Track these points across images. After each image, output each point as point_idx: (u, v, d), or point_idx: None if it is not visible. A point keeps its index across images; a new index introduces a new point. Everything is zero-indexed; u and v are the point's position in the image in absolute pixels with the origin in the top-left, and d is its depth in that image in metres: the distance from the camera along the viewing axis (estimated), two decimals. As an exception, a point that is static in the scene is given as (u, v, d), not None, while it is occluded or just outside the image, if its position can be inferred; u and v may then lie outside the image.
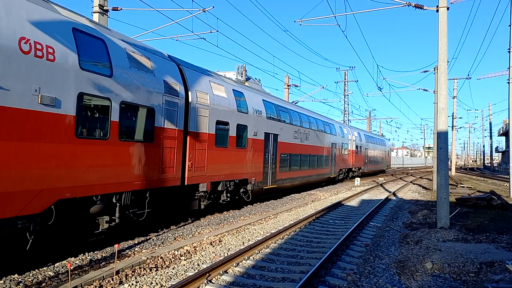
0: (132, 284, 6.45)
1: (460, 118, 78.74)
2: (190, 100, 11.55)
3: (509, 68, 20.98)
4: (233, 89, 14.59)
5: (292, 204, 17.11)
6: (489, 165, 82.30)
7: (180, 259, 8.03)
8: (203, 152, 12.19)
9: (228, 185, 14.04)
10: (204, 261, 7.96)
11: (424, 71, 28.30)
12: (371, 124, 72.28)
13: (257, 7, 21.75)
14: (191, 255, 8.37)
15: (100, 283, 6.42)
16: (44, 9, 7.20)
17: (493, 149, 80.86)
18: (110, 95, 8.37)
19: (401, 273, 7.32)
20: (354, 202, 18.58)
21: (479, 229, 11.11)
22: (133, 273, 6.96)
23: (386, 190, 25.64)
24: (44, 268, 7.15)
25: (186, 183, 11.35)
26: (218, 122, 12.99)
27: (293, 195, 20.85)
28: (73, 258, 7.86)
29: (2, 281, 6.40)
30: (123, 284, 6.47)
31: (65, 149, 7.25)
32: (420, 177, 42.58)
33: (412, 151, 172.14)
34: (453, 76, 47.88)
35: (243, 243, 9.61)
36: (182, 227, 11.40)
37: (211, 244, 9.27)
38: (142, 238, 9.84)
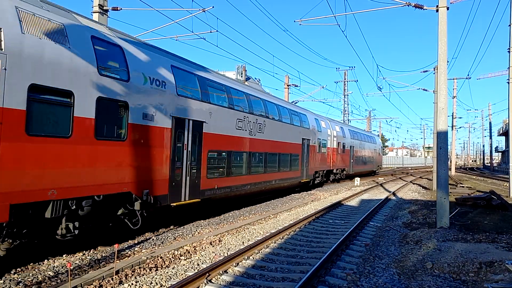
0: (132, 284, 6.45)
1: (460, 118, 78.78)
2: None
3: (509, 68, 20.97)
4: (92, 36, 8.52)
5: (292, 204, 17.11)
6: (489, 165, 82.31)
7: (180, 259, 8.03)
8: None
9: (75, 206, 7.85)
10: (204, 261, 7.97)
11: (424, 71, 28.31)
12: (371, 124, 72.34)
13: (257, 7, 21.75)
14: (191, 255, 8.37)
15: (100, 283, 6.42)
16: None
17: (493, 149, 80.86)
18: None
19: (401, 273, 7.33)
20: (354, 202, 18.58)
21: (479, 229, 11.11)
22: (133, 273, 6.96)
23: (386, 190, 25.65)
24: (44, 268, 7.16)
25: None
26: (38, 89, 7.08)
27: (293, 195, 20.86)
28: (73, 258, 7.86)
29: (2, 281, 6.40)
30: (123, 284, 6.47)
31: None
32: (420, 177, 42.58)
33: (412, 151, 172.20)
34: (453, 76, 47.93)
35: (243, 243, 9.61)
36: (182, 227, 11.40)
37: (211, 244, 9.27)
38: (142, 238, 9.84)
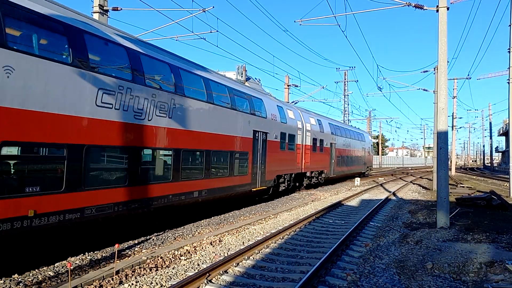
0: (132, 284, 6.46)
1: (460, 118, 78.80)
2: None
3: (509, 68, 20.97)
4: None
5: (292, 204, 17.11)
6: (489, 165, 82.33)
7: (180, 259, 8.03)
8: None
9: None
10: (204, 261, 7.97)
11: (424, 71, 28.31)
12: (371, 124, 72.37)
13: (257, 7, 21.78)
14: (191, 255, 8.37)
15: (100, 283, 6.43)
16: None
17: (493, 149, 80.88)
18: None
19: (401, 273, 7.32)
20: (354, 202, 18.58)
21: (479, 229, 11.10)
22: (133, 273, 6.96)
23: (386, 190, 25.64)
24: (44, 268, 7.16)
25: None
26: None
27: (293, 195, 20.85)
28: (73, 258, 7.86)
29: (2, 281, 6.40)
30: (123, 284, 6.47)
31: None
32: (420, 177, 42.57)
33: (412, 151, 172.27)
34: (453, 76, 47.92)
35: (243, 243, 9.61)
36: (182, 227, 11.40)
37: (211, 244, 9.27)
38: (142, 238, 9.84)
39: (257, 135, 16.30)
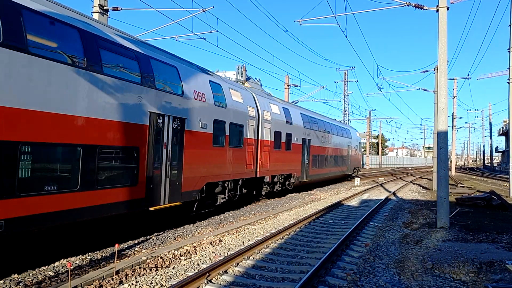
0: (132, 284, 6.46)
1: (460, 118, 78.82)
2: None
3: (509, 68, 20.97)
4: None
5: (292, 204, 17.11)
6: (489, 165, 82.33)
7: (180, 259, 8.03)
8: None
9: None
10: (204, 261, 7.97)
11: (424, 71, 28.31)
12: (371, 124, 72.38)
13: (257, 7, 21.79)
14: (191, 255, 8.37)
15: (100, 283, 6.43)
16: None
17: (493, 149, 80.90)
18: None
19: (401, 273, 7.32)
20: (354, 202, 18.58)
21: (479, 229, 11.11)
22: (133, 273, 6.96)
23: (386, 190, 25.64)
24: (44, 268, 7.16)
25: None
26: None
27: (293, 195, 20.86)
28: (73, 258, 7.86)
29: (2, 281, 6.40)
30: (123, 284, 6.47)
31: None
32: (420, 177, 42.57)
33: (412, 151, 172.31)
34: (453, 76, 47.91)
35: (243, 243, 9.61)
36: (182, 227, 11.40)
37: (211, 244, 9.28)
38: (142, 238, 9.84)
39: (159, 121, 10.22)
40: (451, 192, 17.59)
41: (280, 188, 19.51)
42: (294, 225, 11.44)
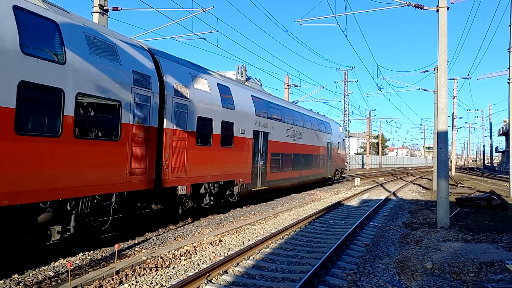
0: (132, 284, 6.45)
1: (460, 118, 78.91)
2: None
3: (509, 68, 20.97)
4: None
5: (292, 204, 17.12)
6: (489, 165, 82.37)
7: (180, 259, 8.03)
8: None
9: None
10: (204, 261, 7.97)
11: (424, 71, 28.33)
12: (371, 124, 72.39)
13: (257, 7, 21.81)
14: (191, 255, 8.37)
15: (100, 283, 6.42)
16: None
17: (493, 149, 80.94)
18: None
19: (401, 273, 7.32)
20: (354, 202, 18.58)
21: (479, 229, 11.11)
22: (133, 273, 6.96)
23: (386, 190, 25.64)
24: (44, 268, 7.16)
25: None
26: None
27: (293, 195, 20.86)
28: (73, 258, 7.86)
29: (2, 281, 6.40)
30: (123, 284, 6.47)
31: None
32: (420, 177, 42.57)
33: (412, 151, 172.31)
34: (453, 76, 47.95)
35: (243, 243, 9.61)
36: (182, 227, 11.40)
37: (211, 244, 9.27)
38: (142, 238, 9.84)
39: None
40: (451, 192, 17.59)
41: (211, 203, 13.19)
42: (294, 225, 11.44)
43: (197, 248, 8.82)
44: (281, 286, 6.66)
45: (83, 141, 8.04)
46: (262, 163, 16.75)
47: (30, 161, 6.89)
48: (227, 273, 7.25)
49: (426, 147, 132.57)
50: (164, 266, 7.47)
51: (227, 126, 13.71)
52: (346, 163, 35.14)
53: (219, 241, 9.63)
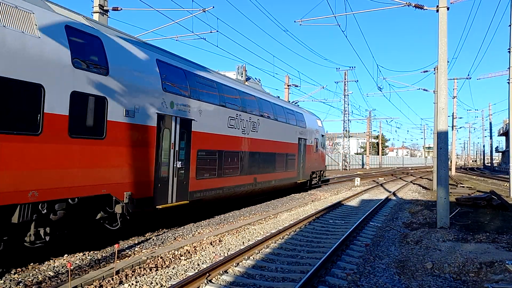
0: (132, 284, 6.45)
1: (460, 118, 78.88)
2: None
3: (509, 68, 20.97)
4: None
5: (292, 204, 17.12)
6: (489, 165, 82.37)
7: (180, 259, 8.03)
8: None
9: None
10: (204, 261, 7.97)
11: (424, 71, 28.36)
12: (371, 124, 72.40)
13: (257, 7, 21.80)
14: (191, 255, 8.37)
15: (100, 283, 6.42)
16: None
17: (493, 149, 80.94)
18: None
19: (401, 273, 7.33)
20: (354, 202, 18.58)
21: (479, 229, 11.11)
22: (133, 273, 6.96)
23: (386, 190, 25.64)
24: (44, 268, 7.16)
25: None
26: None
27: (293, 195, 20.86)
28: (73, 258, 7.86)
29: (2, 281, 6.40)
30: (123, 284, 6.47)
31: None
32: (420, 177, 42.57)
33: (412, 151, 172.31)
34: (453, 76, 47.94)
35: (243, 243, 9.62)
36: (182, 227, 11.40)
37: (211, 244, 9.28)
38: (142, 238, 9.84)
39: None
40: (451, 192, 17.59)
41: (45, 239, 7.44)
42: (294, 225, 11.44)
43: (197, 248, 8.83)
44: (281, 286, 6.66)
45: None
46: (179, 166, 11.10)
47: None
48: (227, 273, 7.25)
49: (426, 147, 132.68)
50: (164, 266, 7.47)
51: (89, 103, 8.34)
52: (326, 165, 28.18)
53: (219, 241, 9.63)
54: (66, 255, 8.05)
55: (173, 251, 8.49)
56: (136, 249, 8.77)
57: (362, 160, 76.95)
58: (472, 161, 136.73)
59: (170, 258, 7.94)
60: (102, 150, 8.61)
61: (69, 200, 7.80)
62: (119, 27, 11.21)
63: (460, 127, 77.00)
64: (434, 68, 24.64)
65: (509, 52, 20.74)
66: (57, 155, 7.49)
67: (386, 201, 18.91)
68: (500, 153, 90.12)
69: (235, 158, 14.57)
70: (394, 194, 22.37)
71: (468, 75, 58.61)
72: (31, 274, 6.81)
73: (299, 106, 25.16)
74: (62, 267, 7.25)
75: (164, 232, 10.70)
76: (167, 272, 7.13)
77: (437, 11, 11.72)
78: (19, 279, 6.53)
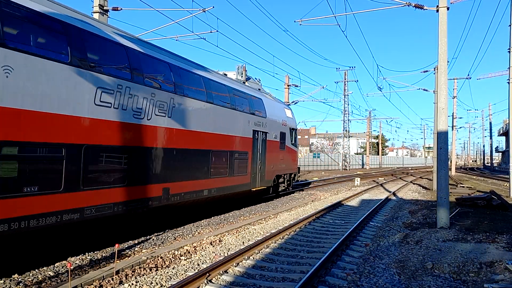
0: (132, 284, 6.46)
1: (460, 118, 78.91)
2: None
3: (509, 68, 20.96)
4: None
5: (292, 204, 17.12)
6: (489, 165, 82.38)
7: (180, 259, 8.03)
8: None
9: None
10: (204, 261, 7.97)
11: (424, 71, 28.30)
12: (371, 124, 72.40)
13: (257, 7, 21.83)
14: (191, 255, 8.37)
15: (100, 283, 6.43)
16: None
17: (493, 149, 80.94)
18: None
19: (401, 273, 7.32)
20: (354, 202, 18.58)
21: (479, 229, 11.10)
22: (133, 273, 6.96)
23: (386, 190, 25.64)
24: (44, 268, 7.16)
25: None
26: None
27: (293, 195, 20.86)
28: (73, 258, 7.86)
29: (2, 281, 6.40)
30: (123, 284, 6.47)
31: None
32: (420, 177, 42.57)
33: (412, 151, 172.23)
34: (453, 76, 47.92)
35: (243, 243, 9.61)
36: (182, 227, 11.40)
37: (211, 244, 9.28)
38: (142, 238, 9.84)
39: None
40: (451, 192, 17.58)
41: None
42: (294, 225, 11.44)
43: (197, 248, 8.83)
44: (281, 286, 6.66)
45: None
46: None
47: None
48: (227, 273, 7.25)
49: (426, 147, 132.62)
50: (164, 266, 7.47)
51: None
52: (298, 166, 22.92)
53: (219, 241, 9.63)
54: (66, 255, 8.05)
55: (173, 251, 8.49)
56: (136, 249, 8.76)
57: (362, 160, 76.95)
58: (472, 161, 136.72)
59: (170, 258, 7.94)
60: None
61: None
62: (119, 27, 10.93)
63: (460, 127, 77.06)
64: (434, 68, 24.62)
65: (509, 52, 20.73)
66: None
67: (386, 201, 18.91)
68: (500, 153, 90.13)
69: (119, 160, 9.15)
70: (394, 194, 22.37)
71: (468, 75, 58.66)
72: (31, 274, 6.81)
73: (260, 90, 19.21)
74: (62, 267, 7.24)
75: (164, 232, 10.71)
76: (167, 272, 7.13)
77: (437, 11, 11.71)
78: (19, 279, 6.53)
